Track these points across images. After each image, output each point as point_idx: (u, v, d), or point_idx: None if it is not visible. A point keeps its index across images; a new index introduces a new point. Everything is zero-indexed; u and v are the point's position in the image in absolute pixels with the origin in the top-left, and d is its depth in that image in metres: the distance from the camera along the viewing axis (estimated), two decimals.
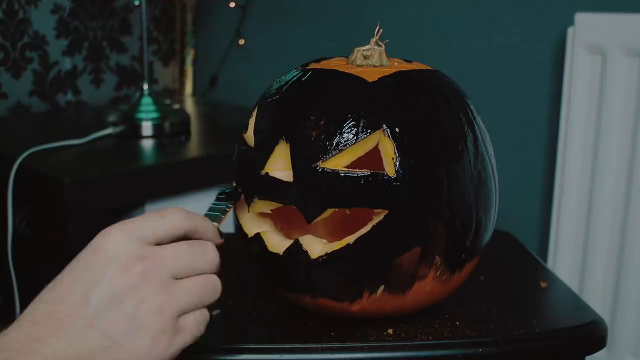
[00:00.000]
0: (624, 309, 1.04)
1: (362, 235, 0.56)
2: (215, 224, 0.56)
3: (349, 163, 0.56)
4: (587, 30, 1.03)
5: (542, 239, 1.20)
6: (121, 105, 1.41)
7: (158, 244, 0.48)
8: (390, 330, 0.60)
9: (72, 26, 1.50)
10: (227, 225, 1.26)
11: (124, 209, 1.18)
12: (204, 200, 1.23)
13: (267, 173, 0.57)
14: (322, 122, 0.56)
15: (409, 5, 1.30)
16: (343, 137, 0.55)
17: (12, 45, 1.41)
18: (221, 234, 0.55)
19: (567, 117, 1.07)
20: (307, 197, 0.56)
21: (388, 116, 0.56)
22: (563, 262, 1.10)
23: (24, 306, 1.08)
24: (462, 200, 0.57)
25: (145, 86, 1.31)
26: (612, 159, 1.03)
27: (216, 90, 1.70)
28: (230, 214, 0.61)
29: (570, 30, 1.05)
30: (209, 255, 0.50)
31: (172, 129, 1.29)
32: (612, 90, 1.01)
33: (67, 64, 1.51)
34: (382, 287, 0.57)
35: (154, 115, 1.28)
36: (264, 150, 0.58)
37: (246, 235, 0.61)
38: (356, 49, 0.63)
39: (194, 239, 0.51)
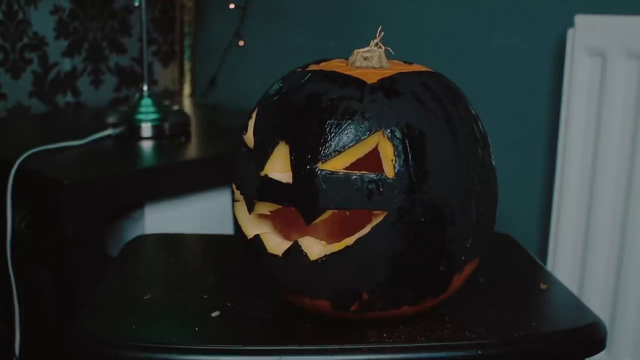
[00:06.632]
0: (623, 310, 1.04)
1: (361, 237, 0.56)
2: None
3: (348, 164, 0.56)
4: (587, 32, 1.03)
5: (542, 240, 1.20)
6: (121, 107, 1.41)
7: None
8: (389, 332, 0.59)
9: (71, 27, 1.50)
10: (227, 226, 1.26)
11: (123, 210, 1.18)
12: (204, 201, 1.22)
13: (266, 174, 0.57)
14: (322, 123, 0.56)
15: (409, 5, 1.30)
16: (342, 139, 0.55)
17: (12, 46, 1.41)
18: None
19: (566, 118, 1.07)
20: (306, 199, 0.56)
21: (387, 118, 0.56)
22: (563, 263, 1.10)
23: (22, 307, 1.08)
24: (461, 201, 0.57)
25: (145, 87, 1.31)
26: (612, 161, 1.03)
27: (216, 91, 1.69)
28: None
29: (570, 32, 1.05)
30: None
31: (171, 130, 1.29)
32: (612, 92, 1.01)
33: (66, 65, 1.51)
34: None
35: (154, 116, 1.28)
36: (264, 151, 0.58)
37: (246, 236, 0.61)
38: (356, 50, 0.63)
39: None
